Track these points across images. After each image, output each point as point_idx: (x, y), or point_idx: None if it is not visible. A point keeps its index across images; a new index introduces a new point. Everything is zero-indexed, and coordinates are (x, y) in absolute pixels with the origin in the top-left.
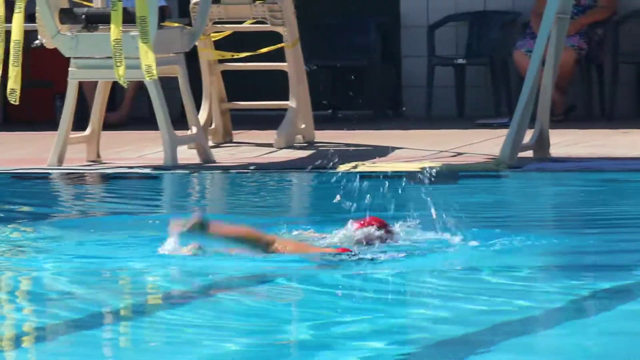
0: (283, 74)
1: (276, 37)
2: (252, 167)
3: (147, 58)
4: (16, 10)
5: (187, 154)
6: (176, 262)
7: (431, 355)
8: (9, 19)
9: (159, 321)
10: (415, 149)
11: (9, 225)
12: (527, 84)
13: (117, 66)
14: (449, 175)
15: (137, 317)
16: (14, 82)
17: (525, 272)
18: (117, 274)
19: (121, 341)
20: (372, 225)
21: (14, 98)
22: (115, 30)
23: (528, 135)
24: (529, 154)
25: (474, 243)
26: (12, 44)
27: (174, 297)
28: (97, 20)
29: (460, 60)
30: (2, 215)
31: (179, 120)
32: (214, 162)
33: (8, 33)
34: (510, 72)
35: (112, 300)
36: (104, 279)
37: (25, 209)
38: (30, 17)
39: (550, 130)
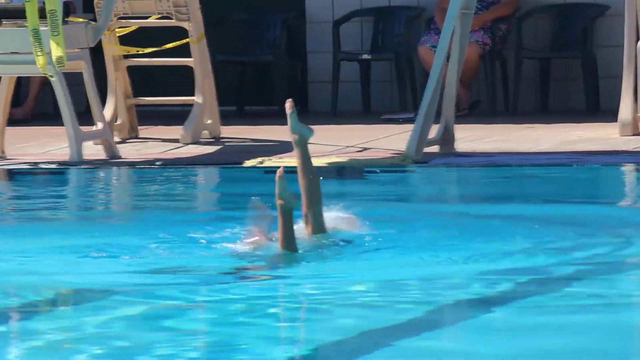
0: (189, 69)
1: (182, 32)
2: (158, 163)
3: (58, 50)
4: None
5: (92, 150)
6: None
7: None
8: None
9: None
10: (322, 144)
11: None
12: (432, 79)
13: (38, 56)
14: (355, 170)
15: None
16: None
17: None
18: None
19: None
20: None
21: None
22: (32, 20)
23: (433, 131)
24: (435, 149)
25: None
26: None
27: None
28: (1, 16)
29: (365, 56)
30: None
31: (85, 115)
32: (120, 157)
33: None
34: (415, 67)
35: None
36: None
37: None
38: None
39: (455, 125)
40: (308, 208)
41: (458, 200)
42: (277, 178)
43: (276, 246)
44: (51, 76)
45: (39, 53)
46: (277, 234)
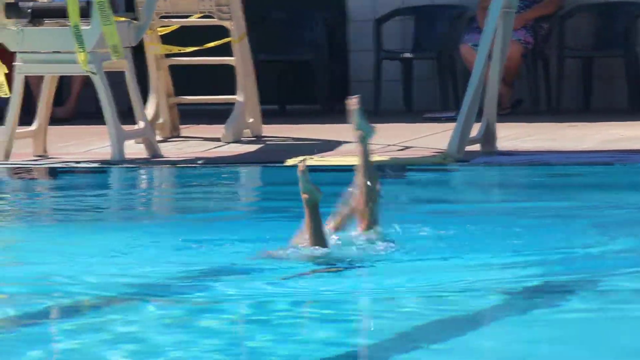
0: (230, 69)
1: (223, 32)
2: (199, 162)
3: (112, 39)
4: None
5: (134, 149)
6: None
7: None
8: None
9: None
10: None
11: None
12: (474, 77)
13: (79, 52)
14: (397, 169)
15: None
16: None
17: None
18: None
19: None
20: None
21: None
22: (73, 17)
23: (475, 129)
24: (477, 147)
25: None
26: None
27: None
28: (43, 15)
29: (407, 54)
30: None
31: (126, 114)
32: (162, 156)
33: None
34: (457, 66)
35: None
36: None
37: None
38: None
39: (497, 124)
40: (365, 205)
41: (499, 199)
42: (299, 172)
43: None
44: (93, 73)
45: (80, 50)
46: (299, 240)
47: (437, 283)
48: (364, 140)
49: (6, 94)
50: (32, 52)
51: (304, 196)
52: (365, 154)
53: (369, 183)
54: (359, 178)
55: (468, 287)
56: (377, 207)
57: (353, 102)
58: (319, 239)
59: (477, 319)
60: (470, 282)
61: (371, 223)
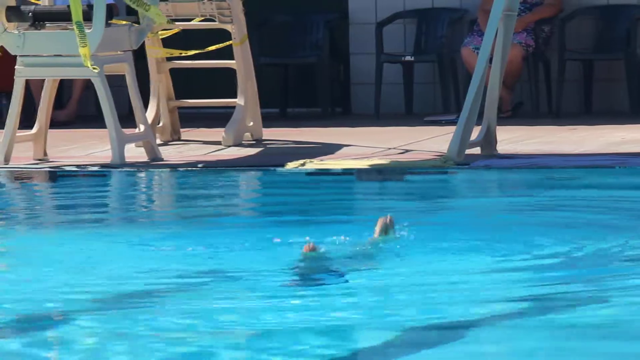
0: (231, 72)
1: (224, 35)
2: (200, 165)
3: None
4: None
5: (134, 152)
6: None
7: None
8: None
9: None
10: (364, 146)
11: None
12: (475, 80)
13: (81, 47)
14: (397, 172)
15: None
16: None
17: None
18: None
19: None
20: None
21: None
22: (76, 13)
23: (475, 133)
24: (477, 150)
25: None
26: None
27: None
28: (44, 18)
29: (408, 57)
30: None
31: (127, 118)
32: (162, 160)
33: None
34: (458, 69)
35: None
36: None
37: None
38: None
39: (497, 127)
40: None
41: (499, 202)
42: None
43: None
44: (95, 68)
45: (82, 45)
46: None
47: (432, 284)
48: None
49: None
50: (33, 56)
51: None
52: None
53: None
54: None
55: (466, 290)
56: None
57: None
58: None
59: (478, 324)
60: (468, 285)
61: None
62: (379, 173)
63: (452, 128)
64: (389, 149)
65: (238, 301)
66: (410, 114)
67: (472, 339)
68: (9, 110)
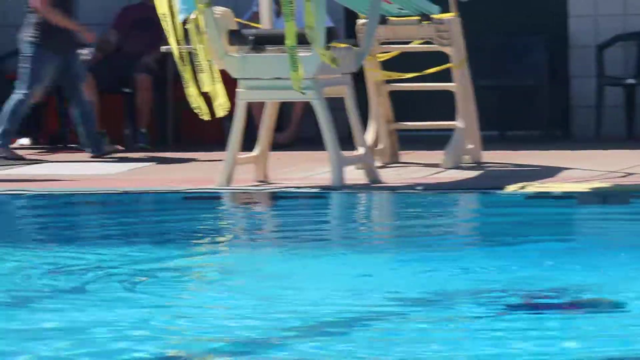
0: (450, 94)
1: (443, 57)
2: (419, 187)
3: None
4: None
5: (354, 175)
6: None
7: None
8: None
9: None
10: (585, 169)
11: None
12: None
13: (293, 70)
14: (620, 196)
15: None
16: (219, 97)
17: None
18: None
19: None
20: None
21: (223, 110)
22: (290, 39)
23: None
24: None
25: None
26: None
27: None
28: (265, 42)
29: (630, 80)
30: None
31: (346, 140)
32: (381, 182)
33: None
34: None
35: None
36: None
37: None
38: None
39: None
40: None
41: None
42: None
43: None
44: (302, 92)
45: (293, 69)
46: None
47: None
48: None
49: (226, 111)
50: (254, 79)
51: None
52: None
53: None
54: None
55: None
56: None
57: None
58: None
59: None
60: None
61: None
62: (601, 196)
63: None
64: (611, 172)
65: None
66: (631, 137)
67: None
68: (231, 133)
